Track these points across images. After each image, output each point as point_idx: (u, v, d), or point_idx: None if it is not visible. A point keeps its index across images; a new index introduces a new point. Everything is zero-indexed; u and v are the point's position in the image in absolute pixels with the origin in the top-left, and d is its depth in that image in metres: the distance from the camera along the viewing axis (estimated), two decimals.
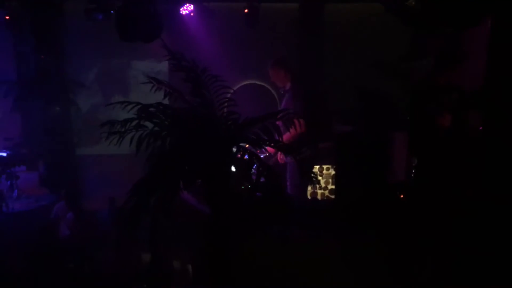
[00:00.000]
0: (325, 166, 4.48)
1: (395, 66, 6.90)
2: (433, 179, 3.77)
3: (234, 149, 3.29)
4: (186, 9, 7.17)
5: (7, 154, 7.67)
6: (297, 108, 4.54)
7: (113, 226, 6.08)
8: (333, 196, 4.23)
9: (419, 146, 4.07)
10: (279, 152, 4.71)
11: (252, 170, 3.38)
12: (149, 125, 3.19)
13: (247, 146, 3.43)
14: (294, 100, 4.74)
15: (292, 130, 3.83)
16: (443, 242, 3.41)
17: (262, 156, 4.96)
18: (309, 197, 4.39)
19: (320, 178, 4.22)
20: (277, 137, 3.24)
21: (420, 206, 3.66)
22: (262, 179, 3.24)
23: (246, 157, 3.22)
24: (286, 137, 4.30)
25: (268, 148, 4.42)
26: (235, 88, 3.95)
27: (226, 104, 3.49)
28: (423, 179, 3.90)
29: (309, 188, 4.34)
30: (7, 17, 7.40)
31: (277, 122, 3.41)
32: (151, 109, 3.18)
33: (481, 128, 4.05)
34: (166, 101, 3.41)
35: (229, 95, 3.55)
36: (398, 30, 6.01)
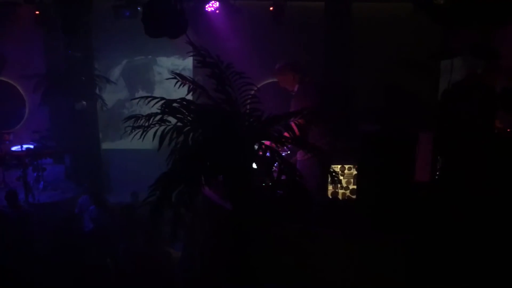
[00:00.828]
0: (346, 166, 4.44)
1: (424, 65, 6.79)
2: (458, 180, 3.70)
3: (256, 146, 3.30)
4: (212, 6, 7.20)
5: (35, 147, 7.85)
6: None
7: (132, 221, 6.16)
8: (354, 196, 4.18)
9: (446, 145, 4.00)
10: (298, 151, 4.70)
11: (274, 167, 3.37)
12: (173, 120, 3.22)
13: (269, 143, 3.42)
14: (299, 101, 4.69)
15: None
16: (467, 244, 3.34)
17: (283, 154, 4.95)
18: (329, 196, 4.35)
19: (341, 177, 4.17)
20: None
21: (445, 207, 3.59)
22: (283, 177, 3.24)
23: (267, 154, 3.22)
24: None
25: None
26: (259, 86, 3.95)
27: (249, 101, 3.49)
28: (448, 179, 3.83)
29: (330, 187, 4.30)
30: (37, 12, 7.56)
31: (299, 121, 3.40)
32: (175, 104, 3.20)
33: (509, 130, 3.96)
34: (190, 97, 3.44)
35: (252, 92, 3.55)
36: (427, 29, 5.91)
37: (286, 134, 3.32)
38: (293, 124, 3.32)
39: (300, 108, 3.68)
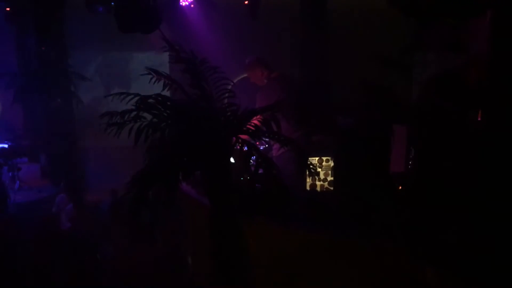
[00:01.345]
0: (324, 158, 4.48)
1: (397, 59, 6.87)
2: (428, 170, 3.78)
3: (233, 141, 3.30)
4: (186, 0, 7.16)
5: (9, 146, 7.71)
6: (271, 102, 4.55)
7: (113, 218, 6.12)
8: (332, 188, 4.23)
9: (418, 136, 4.08)
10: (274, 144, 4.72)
11: (251, 161, 3.39)
12: (149, 116, 3.20)
13: (246, 137, 3.43)
14: (263, 96, 4.68)
15: None
16: (441, 234, 3.41)
17: (261, 148, 4.97)
18: (308, 188, 4.39)
19: (319, 170, 4.22)
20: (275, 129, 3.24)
21: (418, 197, 3.67)
22: (260, 171, 3.25)
23: (245, 148, 3.23)
24: None
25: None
26: (235, 81, 3.95)
27: (225, 95, 3.49)
28: (419, 170, 3.91)
29: (308, 179, 4.34)
30: (8, 9, 7.40)
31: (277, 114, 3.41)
32: (150, 100, 3.18)
33: (479, 119, 4.04)
34: (166, 93, 3.42)
35: (229, 87, 3.55)
36: (400, 23, 5.98)
37: (256, 123, 3.31)
38: (257, 120, 3.32)
39: (265, 104, 3.70)
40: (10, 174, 7.57)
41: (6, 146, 7.71)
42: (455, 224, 3.36)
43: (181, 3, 7.22)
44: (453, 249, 3.30)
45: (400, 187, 3.99)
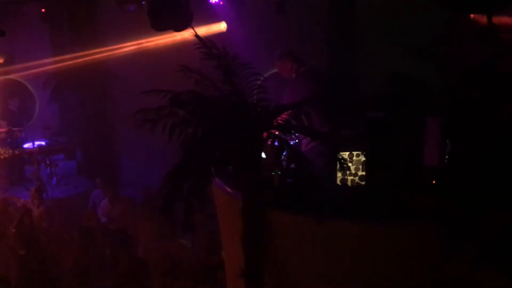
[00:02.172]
0: (355, 153, 4.45)
1: (429, 50, 6.74)
2: (467, 165, 3.70)
3: (265, 136, 3.33)
4: None
5: (46, 143, 7.97)
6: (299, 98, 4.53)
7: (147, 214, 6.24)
8: (363, 183, 4.20)
9: (455, 131, 4.00)
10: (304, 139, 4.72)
11: (283, 156, 3.41)
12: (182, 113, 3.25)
13: (277, 133, 3.46)
14: (291, 92, 4.65)
15: None
16: (474, 231, 3.34)
17: (292, 143, 4.98)
18: (339, 183, 4.38)
19: (350, 164, 4.20)
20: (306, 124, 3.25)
21: (453, 193, 3.60)
22: (292, 165, 3.27)
23: (276, 143, 3.26)
24: None
25: None
26: (265, 76, 3.97)
27: (256, 91, 3.51)
28: (457, 165, 3.83)
29: (339, 174, 4.33)
30: (43, 10, 7.62)
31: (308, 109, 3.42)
32: (183, 97, 3.24)
33: None
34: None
35: (259, 83, 3.57)
36: (431, 13, 5.88)
37: (287, 117, 3.31)
38: (287, 115, 3.32)
39: (291, 100, 3.70)
40: (48, 170, 7.83)
41: (43, 143, 7.98)
42: (495, 219, 3.29)
43: (210, 1, 7.28)
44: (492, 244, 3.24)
45: (434, 182, 3.92)
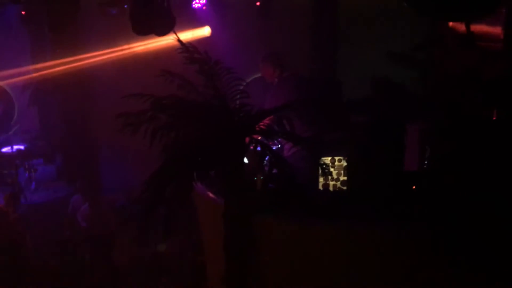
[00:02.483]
0: (337, 158, 4.48)
1: (411, 56, 6.83)
2: (446, 170, 3.76)
3: (247, 141, 3.33)
4: (199, 2, 7.20)
5: (25, 147, 7.84)
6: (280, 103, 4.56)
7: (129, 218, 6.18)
8: (345, 187, 4.23)
9: (434, 135, 4.06)
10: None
11: (265, 161, 3.41)
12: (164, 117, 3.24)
13: (259, 138, 3.46)
14: (273, 97, 4.66)
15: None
16: (456, 235, 3.39)
17: (274, 148, 4.99)
18: (320, 188, 4.40)
19: (332, 169, 4.22)
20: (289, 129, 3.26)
21: (433, 196, 3.65)
22: (274, 170, 3.28)
23: (258, 148, 3.26)
24: None
25: None
26: (247, 81, 3.97)
27: (238, 96, 3.52)
28: (436, 169, 3.89)
29: (321, 179, 4.35)
30: (23, 12, 7.52)
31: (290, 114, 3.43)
32: (165, 101, 3.22)
33: (495, 118, 4.02)
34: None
35: (241, 87, 3.58)
36: (415, 19, 5.96)
37: (269, 123, 3.32)
38: (269, 120, 3.33)
39: (273, 105, 3.71)
40: (27, 174, 7.70)
41: (22, 147, 7.85)
42: (474, 223, 3.34)
43: (193, 6, 7.27)
44: (470, 248, 3.28)
45: (414, 187, 3.97)
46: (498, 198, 3.42)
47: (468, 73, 4.30)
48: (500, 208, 3.36)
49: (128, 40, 7.31)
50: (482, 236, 3.27)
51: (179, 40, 3.51)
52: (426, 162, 4.15)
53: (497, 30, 4.79)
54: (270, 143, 3.72)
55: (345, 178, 4.39)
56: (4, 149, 7.96)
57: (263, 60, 5.03)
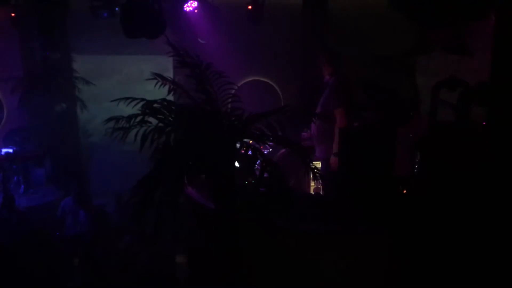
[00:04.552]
0: None
1: (400, 61, 6.88)
2: (435, 174, 3.78)
3: (238, 145, 3.32)
4: (190, 5, 7.18)
5: (14, 150, 7.74)
6: (336, 101, 4.67)
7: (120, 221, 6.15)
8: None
9: (423, 140, 4.08)
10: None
11: (256, 165, 3.41)
12: (154, 121, 3.23)
13: (250, 142, 3.46)
14: (332, 94, 4.77)
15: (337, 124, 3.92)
16: (446, 239, 3.41)
17: (265, 152, 4.99)
18: (312, 192, 4.42)
19: None
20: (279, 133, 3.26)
21: (423, 201, 3.67)
22: (265, 175, 3.27)
23: (249, 152, 3.26)
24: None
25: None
26: (239, 85, 3.96)
27: (230, 100, 3.52)
28: (425, 174, 3.91)
29: (312, 183, 4.37)
30: (13, 14, 7.45)
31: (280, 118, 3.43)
32: (156, 105, 3.21)
33: (484, 123, 4.06)
34: (170, 98, 3.45)
35: (233, 91, 3.58)
36: (403, 24, 6.00)
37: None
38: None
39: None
40: (15, 178, 7.61)
41: (11, 150, 7.75)
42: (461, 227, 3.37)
43: (185, 9, 7.25)
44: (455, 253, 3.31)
45: (405, 191, 3.99)
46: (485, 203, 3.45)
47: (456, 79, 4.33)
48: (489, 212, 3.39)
49: (119, 43, 7.26)
50: (473, 238, 3.30)
51: (170, 43, 3.50)
52: (416, 167, 4.18)
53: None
54: (262, 147, 3.72)
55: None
56: None
57: (321, 54, 5.11)
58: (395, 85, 6.28)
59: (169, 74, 4.04)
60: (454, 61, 5.36)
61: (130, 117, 3.19)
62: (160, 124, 3.18)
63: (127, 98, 3.30)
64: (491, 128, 3.90)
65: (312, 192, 4.53)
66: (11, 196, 6.21)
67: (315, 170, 3.75)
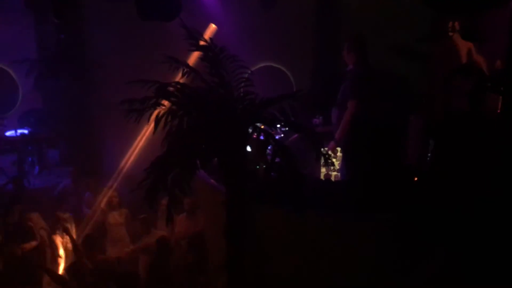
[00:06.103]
0: (338, 149, 4.49)
1: (414, 48, 6.79)
2: (450, 162, 3.75)
3: (250, 129, 3.34)
4: None
5: (29, 132, 7.85)
6: (351, 93, 4.44)
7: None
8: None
9: (437, 128, 4.06)
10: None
11: (268, 150, 3.42)
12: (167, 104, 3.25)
13: (262, 126, 3.47)
14: (350, 85, 4.52)
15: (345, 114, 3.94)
16: (457, 230, 3.38)
17: (277, 137, 4.99)
18: (322, 178, 4.42)
19: (334, 160, 4.24)
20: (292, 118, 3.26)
21: (436, 189, 3.65)
22: (277, 159, 3.29)
23: (261, 137, 3.27)
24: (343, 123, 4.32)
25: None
26: (252, 69, 3.94)
27: (243, 84, 3.52)
28: (440, 161, 3.89)
29: (323, 169, 4.37)
30: None
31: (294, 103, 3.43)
32: (169, 88, 3.23)
33: (499, 111, 4.02)
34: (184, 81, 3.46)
35: (246, 76, 3.58)
36: (417, 12, 5.92)
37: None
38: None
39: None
40: (30, 159, 7.73)
41: (26, 132, 7.86)
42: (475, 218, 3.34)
43: None
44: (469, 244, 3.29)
45: (416, 179, 3.98)
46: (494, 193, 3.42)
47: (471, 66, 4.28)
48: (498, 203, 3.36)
49: (133, 25, 7.26)
50: (481, 231, 3.28)
51: (184, 26, 3.50)
52: (429, 155, 4.15)
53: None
54: (273, 132, 3.72)
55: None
56: (8, 133, 7.99)
57: (345, 41, 4.76)
58: (409, 72, 6.20)
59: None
60: (469, 48, 5.29)
61: (143, 100, 3.21)
62: (173, 107, 3.20)
63: (140, 81, 3.31)
64: (505, 116, 3.86)
65: (322, 178, 4.53)
66: (20, 176, 6.32)
67: (326, 156, 3.76)
